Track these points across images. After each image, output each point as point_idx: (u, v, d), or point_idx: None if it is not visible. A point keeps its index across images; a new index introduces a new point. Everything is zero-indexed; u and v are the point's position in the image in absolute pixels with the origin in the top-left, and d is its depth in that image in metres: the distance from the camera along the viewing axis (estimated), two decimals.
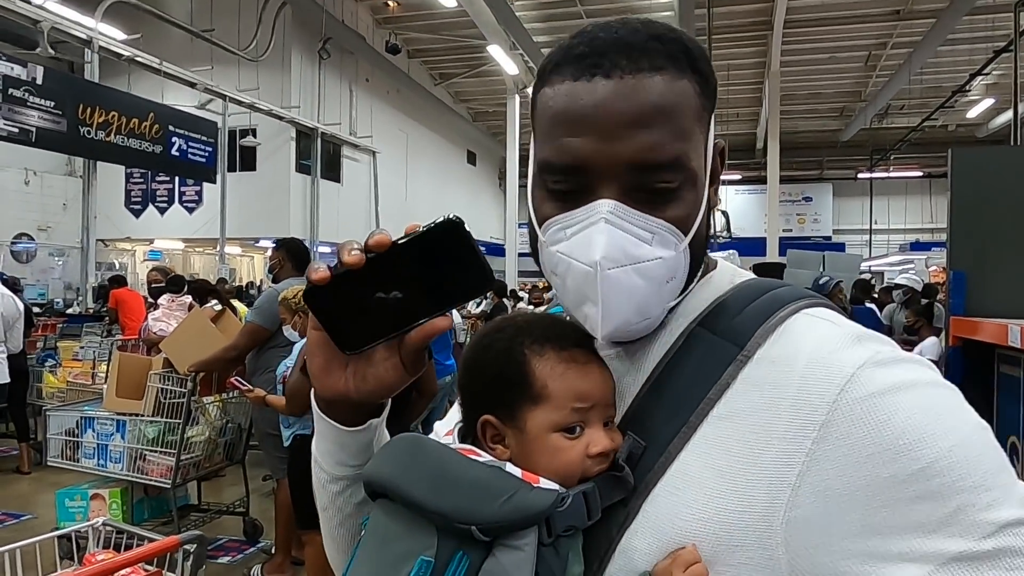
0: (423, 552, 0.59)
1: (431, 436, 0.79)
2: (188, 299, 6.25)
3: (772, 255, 15.82)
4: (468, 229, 0.61)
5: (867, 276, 12.39)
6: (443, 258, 0.61)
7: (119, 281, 9.26)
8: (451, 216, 0.61)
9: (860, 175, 25.21)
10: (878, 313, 7.76)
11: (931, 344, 5.45)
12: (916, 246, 23.41)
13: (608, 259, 0.64)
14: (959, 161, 3.22)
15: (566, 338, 0.68)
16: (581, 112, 0.64)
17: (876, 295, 10.03)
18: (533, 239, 0.72)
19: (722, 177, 0.74)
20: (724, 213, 17.31)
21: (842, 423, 0.57)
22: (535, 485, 0.61)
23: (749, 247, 17.51)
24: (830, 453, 0.57)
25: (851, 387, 0.58)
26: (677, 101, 0.64)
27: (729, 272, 0.75)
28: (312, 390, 0.70)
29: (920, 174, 25.03)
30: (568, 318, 0.73)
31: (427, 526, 0.60)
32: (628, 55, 0.64)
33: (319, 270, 0.61)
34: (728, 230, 17.06)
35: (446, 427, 0.76)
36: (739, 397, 0.63)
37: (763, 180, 19.32)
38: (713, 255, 0.77)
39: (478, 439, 0.68)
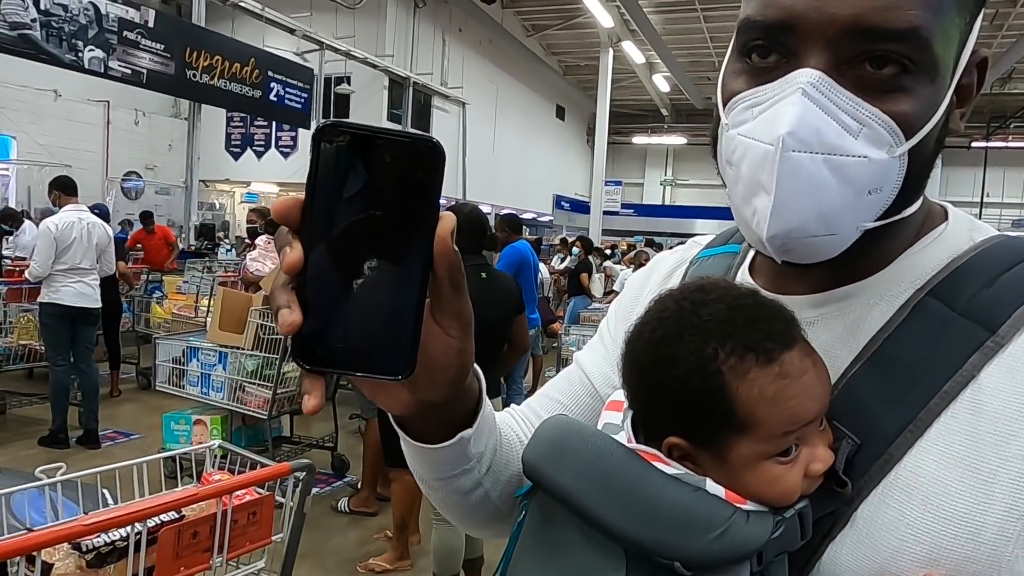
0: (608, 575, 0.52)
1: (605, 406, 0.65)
2: None
3: None
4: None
5: None
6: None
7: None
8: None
9: (974, 144, 23.61)
10: None
11: None
12: None
13: (794, 137, 0.49)
14: None
15: (772, 339, 0.53)
16: None
17: None
18: (715, 129, 0.58)
19: None
20: None
21: None
22: (748, 510, 0.52)
23: None
24: None
25: None
26: None
27: (965, 225, 0.60)
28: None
29: None
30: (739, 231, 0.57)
31: (613, 547, 0.52)
32: None
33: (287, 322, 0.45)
34: None
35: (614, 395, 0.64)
36: (985, 395, 0.51)
37: None
38: None
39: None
